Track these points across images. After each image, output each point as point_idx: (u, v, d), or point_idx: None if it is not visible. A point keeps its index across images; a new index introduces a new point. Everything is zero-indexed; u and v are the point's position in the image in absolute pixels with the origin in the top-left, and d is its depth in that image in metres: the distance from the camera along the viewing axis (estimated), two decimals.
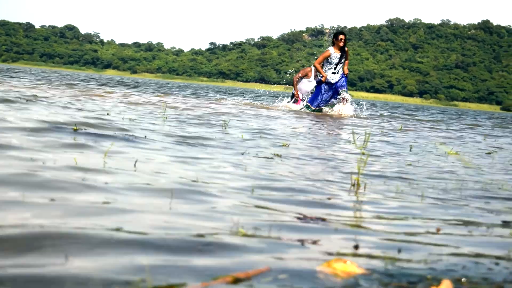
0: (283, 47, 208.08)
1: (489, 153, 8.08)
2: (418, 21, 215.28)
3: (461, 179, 4.97)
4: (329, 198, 3.53)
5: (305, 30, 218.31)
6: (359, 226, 2.86)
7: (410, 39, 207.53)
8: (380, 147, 7.42)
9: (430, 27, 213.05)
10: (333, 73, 16.77)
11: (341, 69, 16.82)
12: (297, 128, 9.28)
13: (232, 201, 3.13)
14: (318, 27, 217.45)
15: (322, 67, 16.88)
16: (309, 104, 16.93)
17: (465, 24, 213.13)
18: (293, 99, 17.83)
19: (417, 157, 6.57)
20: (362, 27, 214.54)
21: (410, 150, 7.37)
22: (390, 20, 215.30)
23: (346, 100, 16.63)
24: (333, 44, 16.89)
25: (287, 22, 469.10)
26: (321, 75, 16.76)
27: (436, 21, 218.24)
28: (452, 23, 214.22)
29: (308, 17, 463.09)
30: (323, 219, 2.95)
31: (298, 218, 2.94)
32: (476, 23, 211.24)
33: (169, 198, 3.01)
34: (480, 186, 4.60)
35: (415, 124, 16.39)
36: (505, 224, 3.22)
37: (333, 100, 16.84)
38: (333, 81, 16.74)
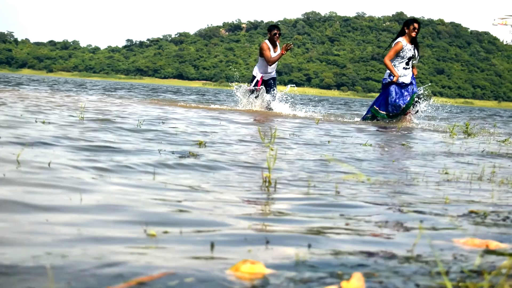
0: (201, 43, 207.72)
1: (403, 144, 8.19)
2: (334, 14, 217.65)
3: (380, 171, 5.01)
4: (239, 197, 3.51)
5: (222, 25, 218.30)
6: (268, 224, 2.83)
7: (326, 32, 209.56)
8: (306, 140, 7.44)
9: (345, 20, 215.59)
10: (405, 68, 13.88)
11: (411, 65, 14.00)
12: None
13: (140, 197, 3.08)
14: (235, 22, 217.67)
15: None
16: (376, 109, 14.07)
17: (380, 16, 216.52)
18: (253, 82, 15.27)
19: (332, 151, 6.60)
20: (279, 21, 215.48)
21: (328, 142, 7.41)
22: (306, 13, 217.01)
23: (416, 112, 14.01)
24: (403, 34, 13.89)
25: (204, 18, 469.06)
26: (391, 76, 13.73)
27: (351, 14, 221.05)
28: (367, 15, 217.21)
29: (225, 12, 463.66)
30: (234, 218, 2.92)
31: (208, 217, 2.90)
32: (391, 15, 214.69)
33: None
34: (394, 182, 4.64)
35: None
36: (408, 229, 3.25)
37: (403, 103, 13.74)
38: (406, 80, 13.85)
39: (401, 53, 13.75)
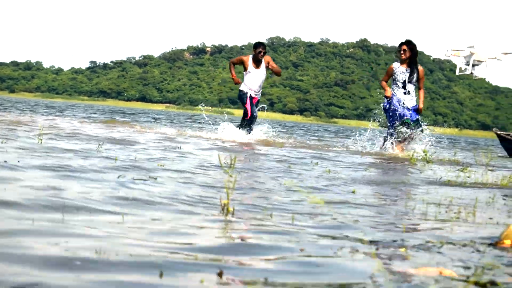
0: (165, 66, 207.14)
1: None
2: (298, 40, 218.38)
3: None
4: (193, 226, 3.51)
5: (186, 48, 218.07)
6: (223, 254, 2.85)
7: (290, 58, 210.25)
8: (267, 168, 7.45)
9: (310, 45, 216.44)
10: (405, 93, 13.37)
11: (414, 93, 13.41)
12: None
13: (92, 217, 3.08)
14: (199, 46, 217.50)
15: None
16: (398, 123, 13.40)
17: (343, 42, 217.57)
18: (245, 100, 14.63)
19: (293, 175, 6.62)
20: (243, 45, 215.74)
21: (289, 167, 7.44)
22: (270, 38, 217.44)
23: (411, 139, 13.47)
24: (399, 58, 13.46)
25: (169, 41, 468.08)
26: (385, 101, 13.66)
27: (315, 39, 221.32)
28: (331, 41, 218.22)
29: (190, 35, 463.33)
30: (188, 247, 2.93)
31: (157, 249, 2.91)
32: (355, 42, 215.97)
33: None
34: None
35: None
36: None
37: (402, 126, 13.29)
38: (408, 103, 13.34)
39: (393, 76, 13.43)
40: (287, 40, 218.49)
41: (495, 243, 3.49)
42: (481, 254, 3.21)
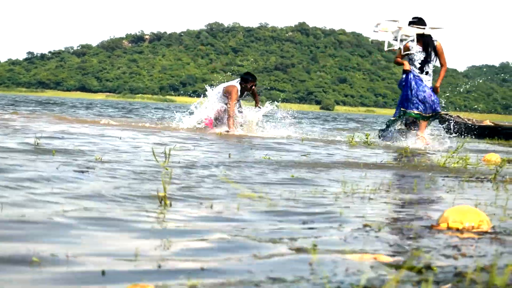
0: (104, 55, 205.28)
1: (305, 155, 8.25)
2: (237, 25, 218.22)
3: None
4: (133, 216, 3.48)
5: (125, 36, 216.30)
6: (162, 246, 2.83)
7: (230, 43, 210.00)
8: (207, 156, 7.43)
9: (248, 30, 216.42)
10: (420, 72, 12.23)
11: (431, 72, 12.26)
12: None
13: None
14: (138, 34, 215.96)
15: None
16: (404, 110, 12.22)
17: (282, 26, 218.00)
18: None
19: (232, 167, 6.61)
20: (182, 32, 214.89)
21: (229, 157, 7.42)
22: (209, 24, 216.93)
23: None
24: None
25: (107, 29, 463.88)
26: (403, 75, 12.42)
27: (254, 24, 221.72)
28: (270, 26, 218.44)
29: (128, 23, 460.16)
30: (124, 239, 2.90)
31: (96, 241, 2.88)
32: (293, 26, 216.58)
33: None
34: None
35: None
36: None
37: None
38: (426, 83, 12.13)
39: (409, 56, 12.26)
40: (226, 25, 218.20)
41: (432, 226, 3.53)
42: (418, 237, 3.24)
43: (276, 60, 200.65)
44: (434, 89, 12.13)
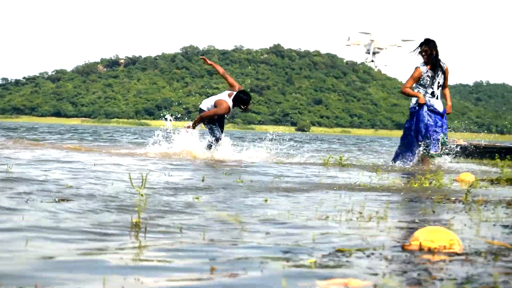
0: (78, 80, 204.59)
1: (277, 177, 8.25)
2: (212, 48, 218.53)
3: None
4: (104, 241, 3.47)
5: (100, 61, 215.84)
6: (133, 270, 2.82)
7: (205, 66, 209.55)
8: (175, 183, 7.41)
9: (223, 53, 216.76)
10: (431, 96, 11.95)
11: (439, 95, 12.04)
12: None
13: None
14: (113, 58, 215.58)
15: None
16: (432, 152, 11.87)
17: (257, 49, 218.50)
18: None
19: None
20: (157, 56, 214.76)
21: (203, 181, 7.41)
22: (184, 47, 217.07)
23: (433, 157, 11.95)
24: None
25: (81, 54, 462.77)
26: (414, 103, 11.99)
27: (229, 47, 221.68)
28: (245, 48, 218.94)
29: (103, 48, 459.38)
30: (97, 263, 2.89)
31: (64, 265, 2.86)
32: (268, 48, 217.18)
33: None
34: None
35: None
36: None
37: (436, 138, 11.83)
38: (438, 107, 11.89)
39: (421, 81, 11.93)
40: (201, 48, 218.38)
41: (403, 248, 3.55)
42: (390, 259, 3.25)
43: (252, 82, 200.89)
44: (446, 111, 12.08)
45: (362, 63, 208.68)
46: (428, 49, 11.85)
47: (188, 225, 4.20)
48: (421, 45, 11.98)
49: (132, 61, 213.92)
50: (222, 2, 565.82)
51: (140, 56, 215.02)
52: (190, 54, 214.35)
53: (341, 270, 2.97)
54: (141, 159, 11.66)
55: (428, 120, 11.81)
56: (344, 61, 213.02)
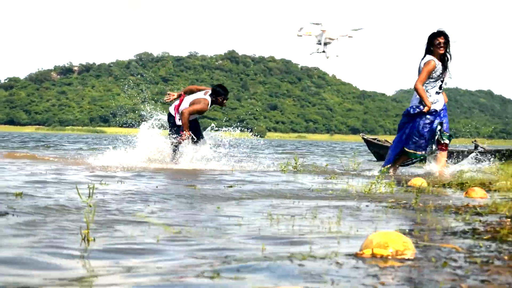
0: (32, 87, 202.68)
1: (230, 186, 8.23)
2: (167, 55, 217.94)
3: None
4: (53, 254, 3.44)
5: (53, 68, 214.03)
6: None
7: (160, 73, 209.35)
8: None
9: (178, 59, 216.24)
10: (437, 92, 11.09)
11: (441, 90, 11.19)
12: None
13: None
14: (66, 65, 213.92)
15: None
16: (411, 151, 11.19)
17: (212, 55, 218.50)
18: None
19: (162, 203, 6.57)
20: (111, 63, 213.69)
21: (157, 188, 7.37)
22: (138, 54, 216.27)
23: (444, 149, 11.31)
24: (430, 52, 10.97)
25: (34, 62, 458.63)
26: (421, 105, 11.01)
27: (184, 53, 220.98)
28: (199, 54, 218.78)
29: (56, 55, 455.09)
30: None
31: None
32: (223, 54, 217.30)
33: None
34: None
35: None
36: None
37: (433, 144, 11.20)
38: (438, 107, 11.08)
39: (433, 74, 10.95)
40: (155, 55, 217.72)
41: (356, 254, 3.56)
42: (340, 266, 3.26)
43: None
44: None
45: (317, 68, 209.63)
46: (444, 41, 10.95)
47: (134, 239, 4.17)
48: (435, 37, 11.02)
49: (86, 68, 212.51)
50: (176, 9, 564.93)
51: (94, 63, 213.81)
52: (144, 61, 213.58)
53: (291, 278, 2.97)
54: (100, 169, 11.49)
55: (425, 128, 11.04)
56: (299, 66, 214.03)
